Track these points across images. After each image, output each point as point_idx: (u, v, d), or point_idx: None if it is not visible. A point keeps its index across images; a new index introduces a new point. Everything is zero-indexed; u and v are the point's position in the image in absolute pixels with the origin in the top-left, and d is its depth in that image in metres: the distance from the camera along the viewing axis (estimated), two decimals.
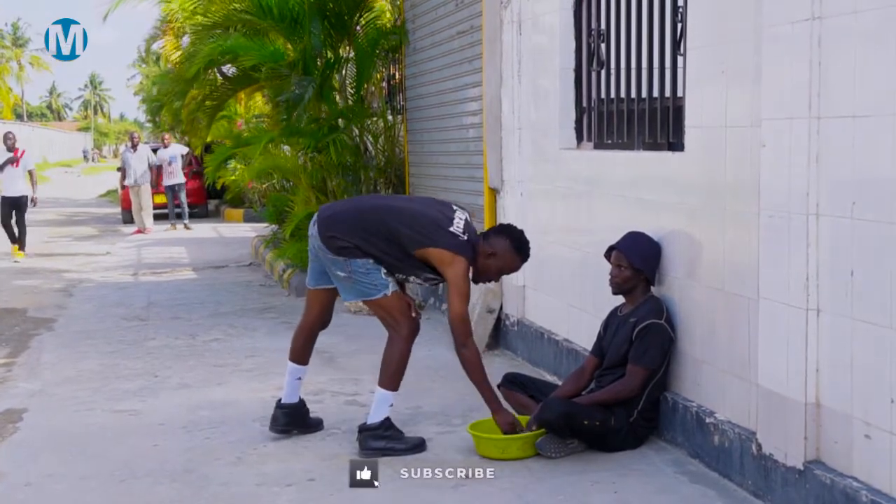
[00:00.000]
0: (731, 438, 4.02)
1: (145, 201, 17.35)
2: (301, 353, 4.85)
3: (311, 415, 4.96)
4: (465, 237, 4.52)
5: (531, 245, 4.66)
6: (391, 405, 4.58)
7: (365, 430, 4.55)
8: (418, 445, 4.57)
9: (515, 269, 4.73)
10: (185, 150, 19.18)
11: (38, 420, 5.36)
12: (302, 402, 4.86)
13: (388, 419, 4.56)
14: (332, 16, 9.39)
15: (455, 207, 4.68)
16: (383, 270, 4.52)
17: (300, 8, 9.11)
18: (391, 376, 4.54)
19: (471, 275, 4.58)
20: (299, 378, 4.85)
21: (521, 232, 4.71)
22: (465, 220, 4.60)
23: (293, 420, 4.83)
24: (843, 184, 3.32)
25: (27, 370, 6.60)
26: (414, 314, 4.61)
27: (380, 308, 4.59)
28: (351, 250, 4.48)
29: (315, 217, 4.66)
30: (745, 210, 3.93)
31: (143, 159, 17.41)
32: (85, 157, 76.27)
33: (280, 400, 4.86)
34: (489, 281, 4.73)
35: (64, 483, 4.32)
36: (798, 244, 3.49)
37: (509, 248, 4.62)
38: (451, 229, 4.50)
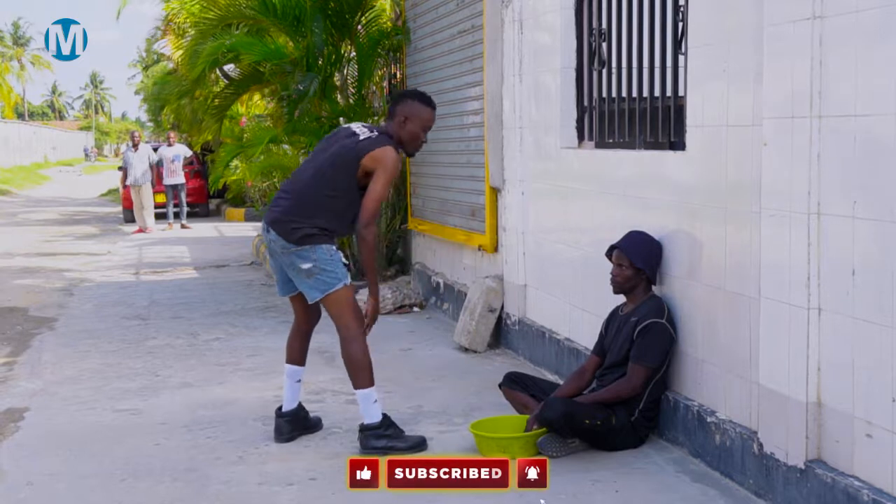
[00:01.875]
0: (732, 438, 4.02)
1: (146, 200, 17.35)
2: (298, 354, 4.89)
3: (311, 414, 4.98)
4: (376, 133, 4.68)
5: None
6: (375, 400, 4.61)
7: (366, 430, 4.58)
8: (419, 444, 4.59)
9: (430, 119, 4.81)
10: (190, 152, 19.14)
11: (39, 419, 5.36)
12: (300, 406, 4.89)
13: (387, 417, 4.60)
14: (333, 14, 9.38)
15: (348, 125, 4.86)
16: (342, 259, 4.63)
17: (302, 6, 9.12)
18: (361, 376, 4.59)
19: (403, 154, 4.80)
20: (299, 381, 4.88)
21: (413, 89, 4.86)
22: (363, 125, 4.80)
23: (296, 427, 4.85)
24: (844, 183, 3.32)
25: (28, 369, 6.60)
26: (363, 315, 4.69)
27: (335, 304, 4.61)
28: (316, 236, 4.55)
29: (265, 225, 4.70)
30: (746, 209, 3.93)
31: (144, 159, 17.41)
32: (87, 156, 74.34)
33: (280, 408, 4.87)
34: (420, 145, 4.83)
35: (65, 482, 4.33)
36: (799, 243, 3.49)
37: (412, 105, 4.76)
38: (363, 138, 4.64)
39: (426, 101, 4.79)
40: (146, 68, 32.69)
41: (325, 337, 6.66)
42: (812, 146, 3.43)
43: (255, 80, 10.40)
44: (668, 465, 4.29)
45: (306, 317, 4.89)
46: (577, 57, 5.65)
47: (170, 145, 18.50)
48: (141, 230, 17.24)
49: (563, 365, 5.70)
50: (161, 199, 18.29)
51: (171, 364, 6.60)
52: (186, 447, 4.76)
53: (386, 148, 4.60)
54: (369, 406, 4.59)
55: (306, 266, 4.56)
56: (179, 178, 18.27)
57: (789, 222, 3.54)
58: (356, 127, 4.77)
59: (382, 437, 4.56)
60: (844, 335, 3.35)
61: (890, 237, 3.12)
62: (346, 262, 4.68)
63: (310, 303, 4.71)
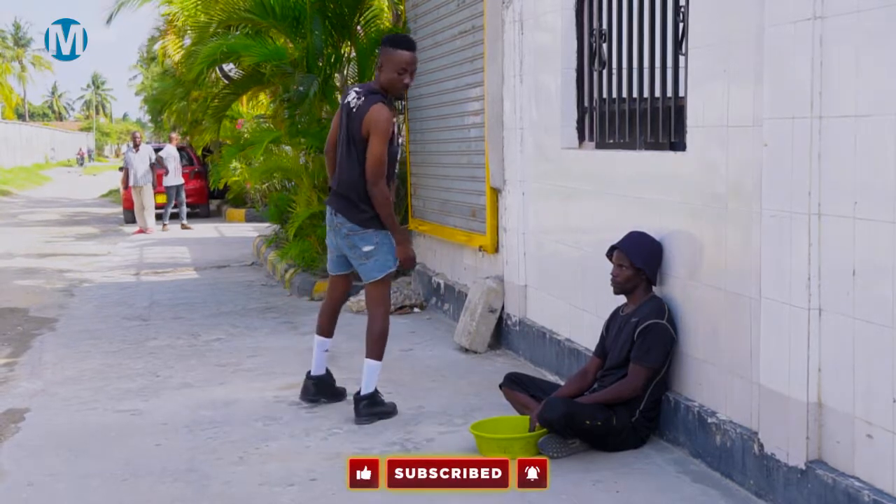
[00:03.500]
0: (732, 438, 4.02)
1: (147, 201, 17.35)
2: (327, 327, 5.32)
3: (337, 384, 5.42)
4: (364, 94, 4.89)
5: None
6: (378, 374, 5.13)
7: (362, 399, 5.02)
8: (395, 407, 5.13)
9: (404, 60, 4.91)
10: (175, 152, 18.97)
11: (40, 420, 5.36)
12: (328, 373, 5.30)
13: (375, 388, 5.07)
14: (332, 15, 9.39)
15: (347, 96, 5.02)
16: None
17: (301, 7, 9.12)
18: (382, 348, 5.06)
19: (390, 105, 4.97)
20: (326, 350, 5.29)
21: (389, 34, 5.01)
22: (356, 88, 4.99)
23: (322, 390, 5.32)
24: (844, 183, 3.32)
25: (29, 370, 6.61)
26: None
27: (382, 284, 5.04)
28: (376, 219, 4.92)
29: (331, 209, 5.03)
30: (746, 210, 3.93)
31: (145, 159, 17.40)
32: (79, 162, 63.24)
33: (309, 372, 5.33)
34: (403, 86, 4.98)
35: (66, 482, 4.33)
36: (800, 244, 3.49)
37: (385, 50, 4.92)
38: (355, 108, 4.87)
39: (397, 43, 4.94)
40: (154, 59, 32.58)
41: None
42: (812, 146, 3.43)
43: (255, 80, 10.41)
44: (668, 466, 4.29)
45: (340, 295, 5.33)
46: (577, 57, 5.65)
47: (170, 143, 18.52)
48: (141, 231, 17.24)
49: (563, 365, 5.70)
50: (163, 199, 18.24)
51: (172, 364, 6.60)
52: (187, 447, 4.76)
53: (373, 107, 4.83)
54: (374, 377, 5.05)
55: (367, 248, 4.95)
56: (178, 179, 18.24)
57: (790, 223, 3.54)
58: (351, 98, 4.96)
59: (375, 404, 5.03)
60: (845, 335, 3.35)
61: (890, 237, 3.12)
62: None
63: (367, 282, 5.06)
